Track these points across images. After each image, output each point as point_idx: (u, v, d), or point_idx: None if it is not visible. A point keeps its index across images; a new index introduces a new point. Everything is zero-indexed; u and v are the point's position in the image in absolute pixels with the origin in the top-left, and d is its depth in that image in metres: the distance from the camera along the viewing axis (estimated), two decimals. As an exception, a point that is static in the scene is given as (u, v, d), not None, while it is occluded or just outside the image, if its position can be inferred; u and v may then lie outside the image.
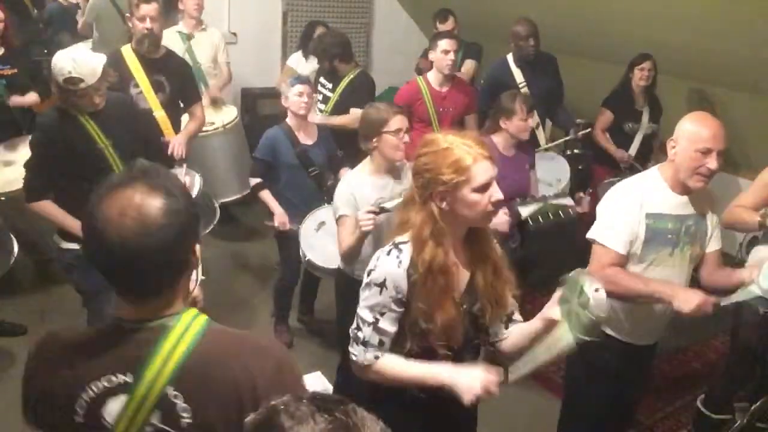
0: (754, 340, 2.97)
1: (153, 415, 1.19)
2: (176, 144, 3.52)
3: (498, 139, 3.46)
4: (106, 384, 1.20)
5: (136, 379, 1.19)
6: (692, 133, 2.25)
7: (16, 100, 4.12)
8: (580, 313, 1.73)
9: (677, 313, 2.25)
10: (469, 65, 5.19)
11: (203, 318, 1.26)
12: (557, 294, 1.81)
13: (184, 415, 1.19)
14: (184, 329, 1.22)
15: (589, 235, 2.39)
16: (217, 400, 1.20)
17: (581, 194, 3.30)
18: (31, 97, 4.18)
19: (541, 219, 3.38)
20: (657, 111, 4.73)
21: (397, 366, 1.83)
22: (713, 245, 2.45)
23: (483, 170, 1.73)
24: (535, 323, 1.88)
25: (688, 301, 2.18)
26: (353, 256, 2.78)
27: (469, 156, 1.72)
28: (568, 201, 3.41)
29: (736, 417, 3.03)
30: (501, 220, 3.11)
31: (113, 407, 1.19)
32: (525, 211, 3.34)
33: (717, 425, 3.15)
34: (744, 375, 3.09)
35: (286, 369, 1.27)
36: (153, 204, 1.16)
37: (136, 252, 1.14)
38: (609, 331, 2.47)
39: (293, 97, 3.61)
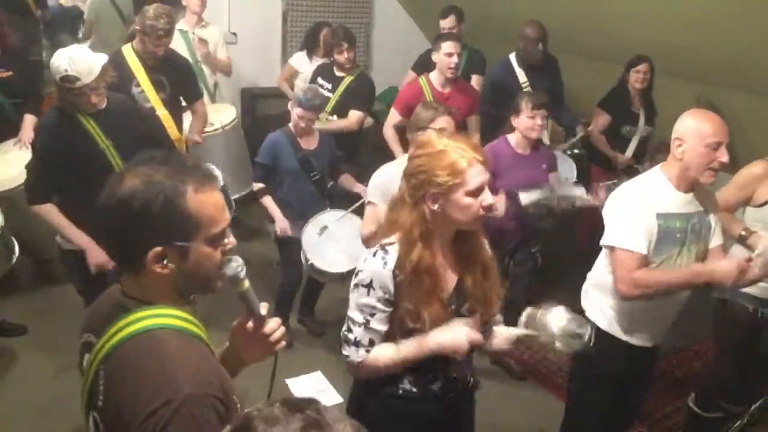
0: (742, 337, 2.98)
1: (98, 378, 1.23)
2: (193, 140, 3.79)
3: (513, 138, 3.58)
4: (84, 339, 1.32)
5: (95, 344, 1.25)
6: (698, 130, 2.23)
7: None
8: (563, 346, 1.91)
9: (722, 286, 2.27)
10: (476, 80, 5.14)
11: (161, 321, 1.23)
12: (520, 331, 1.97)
13: (100, 396, 1.22)
14: (135, 319, 1.23)
15: (607, 242, 2.36)
16: (119, 401, 1.19)
17: (599, 184, 3.27)
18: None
19: (542, 209, 3.37)
20: (651, 113, 4.69)
21: (386, 353, 1.84)
22: (716, 240, 2.44)
23: (477, 174, 1.75)
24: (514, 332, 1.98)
25: (728, 271, 2.19)
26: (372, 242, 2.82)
27: (464, 159, 1.74)
28: (577, 191, 3.39)
29: (731, 416, 3.02)
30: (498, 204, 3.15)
31: (86, 360, 1.29)
32: (526, 198, 3.33)
33: (709, 424, 3.15)
34: (732, 373, 3.08)
35: (160, 418, 1.13)
36: (132, 182, 1.20)
37: (102, 212, 1.22)
38: (615, 334, 2.47)
39: (294, 114, 3.65)
